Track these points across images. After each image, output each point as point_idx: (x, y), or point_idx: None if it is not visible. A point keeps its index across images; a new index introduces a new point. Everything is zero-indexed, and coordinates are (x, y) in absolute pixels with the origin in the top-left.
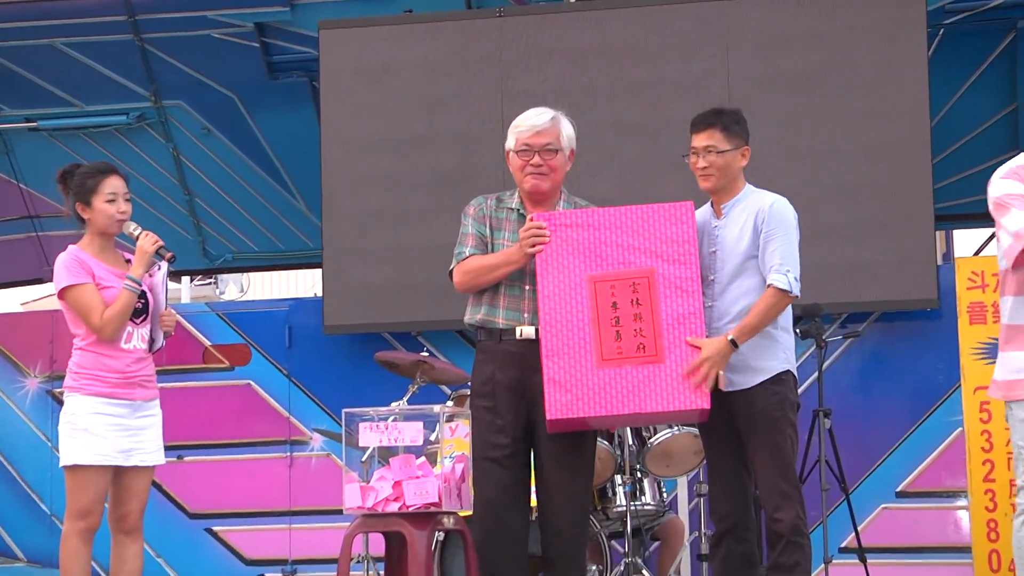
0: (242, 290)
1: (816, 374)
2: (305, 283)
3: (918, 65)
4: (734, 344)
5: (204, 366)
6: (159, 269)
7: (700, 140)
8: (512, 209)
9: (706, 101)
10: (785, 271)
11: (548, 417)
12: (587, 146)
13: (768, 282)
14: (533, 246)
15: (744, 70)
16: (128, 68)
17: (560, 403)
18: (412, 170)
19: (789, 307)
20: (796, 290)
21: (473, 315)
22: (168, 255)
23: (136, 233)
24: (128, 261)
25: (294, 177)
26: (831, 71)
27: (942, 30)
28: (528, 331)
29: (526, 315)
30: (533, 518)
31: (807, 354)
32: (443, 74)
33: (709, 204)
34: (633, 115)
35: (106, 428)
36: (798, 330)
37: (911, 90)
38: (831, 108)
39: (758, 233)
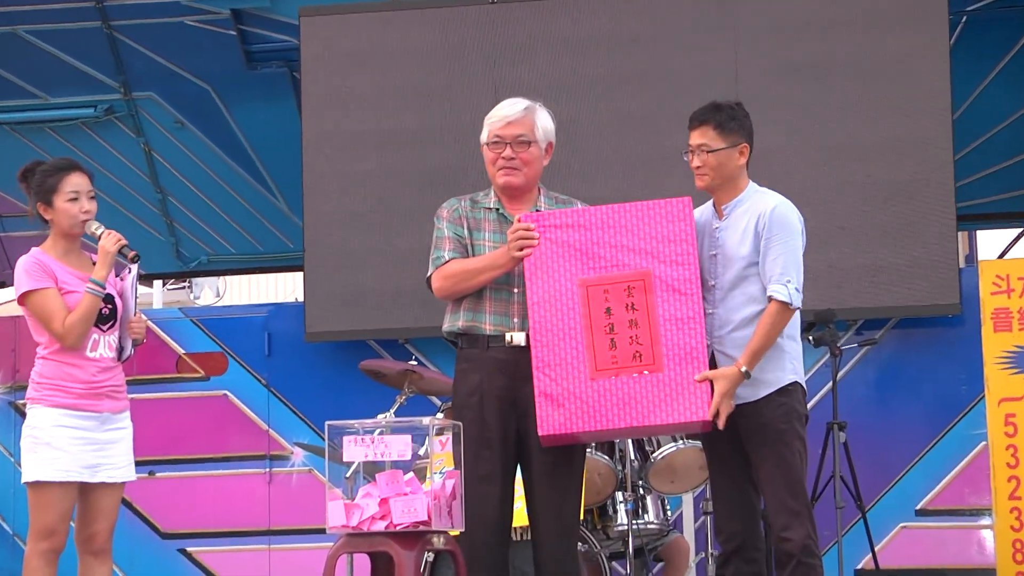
0: (218, 294)
1: (830, 384)
2: (286, 287)
3: (939, 55)
4: (747, 374)
5: (178, 376)
6: (129, 272)
7: (694, 137)
8: (489, 208)
9: (712, 94)
10: (785, 281)
11: (541, 433)
12: (585, 142)
13: (768, 294)
14: (521, 249)
15: (754, 60)
16: (96, 57)
17: (553, 418)
18: (399, 166)
19: (797, 314)
20: (797, 302)
21: (453, 322)
22: (131, 254)
23: (98, 232)
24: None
25: (273, 174)
26: (846, 61)
27: (964, 18)
28: (519, 337)
29: (515, 320)
30: (519, 537)
31: (820, 363)
32: (431, 64)
33: (711, 203)
34: (634, 109)
35: (70, 442)
36: (810, 337)
37: (931, 81)
38: (846, 100)
39: (759, 239)
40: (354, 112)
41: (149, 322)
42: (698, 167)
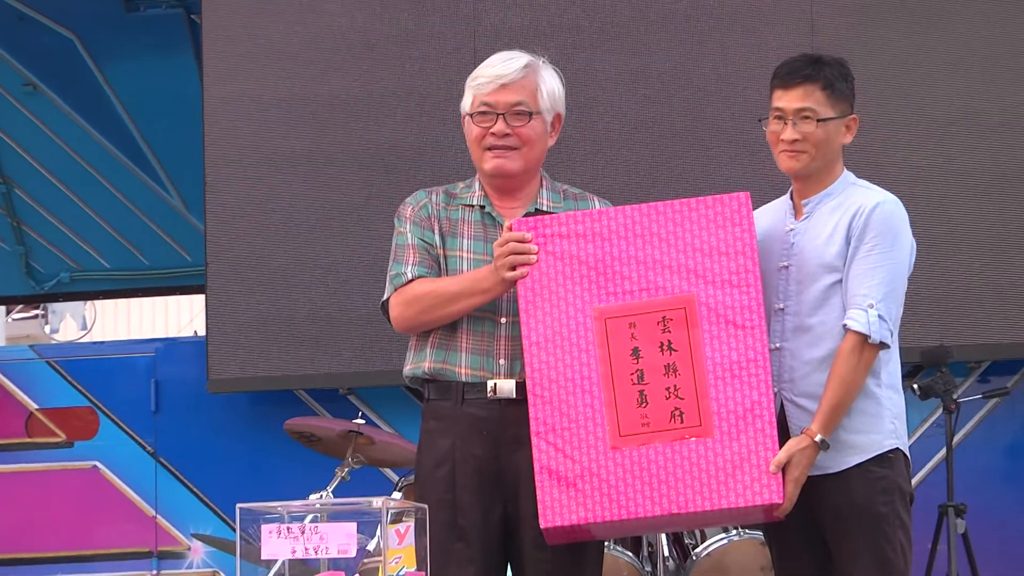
0: (85, 327)
1: (943, 452)
2: (180, 316)
3: None
4: (824, 445)
5: (28, 440)
6: None
7: (792, 99)
8: (472, 206)
9: (772, 43)
10: (867, 306)
11: (543, 525)
12: (601, 111)
13: (843, 321)
14: (513, 268)
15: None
16: None
17: (560, 505)
18: (339, 147)
19: (896, 355)
20: (880, 335)
21: (418, 364)
22: None
23: None
24: None
25: (163, 158)
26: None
27: None
28: (506, 386)
29: (502, 362)
30: None
31: (929, 422)
32: (387, 5)
33: (785, 199)
34: (668, 65)
35: None
36: (915, 386)
37: None
38: (965, 54)
39: (850, 244)
40: (275, 71)
41: None
42: (795, 141)
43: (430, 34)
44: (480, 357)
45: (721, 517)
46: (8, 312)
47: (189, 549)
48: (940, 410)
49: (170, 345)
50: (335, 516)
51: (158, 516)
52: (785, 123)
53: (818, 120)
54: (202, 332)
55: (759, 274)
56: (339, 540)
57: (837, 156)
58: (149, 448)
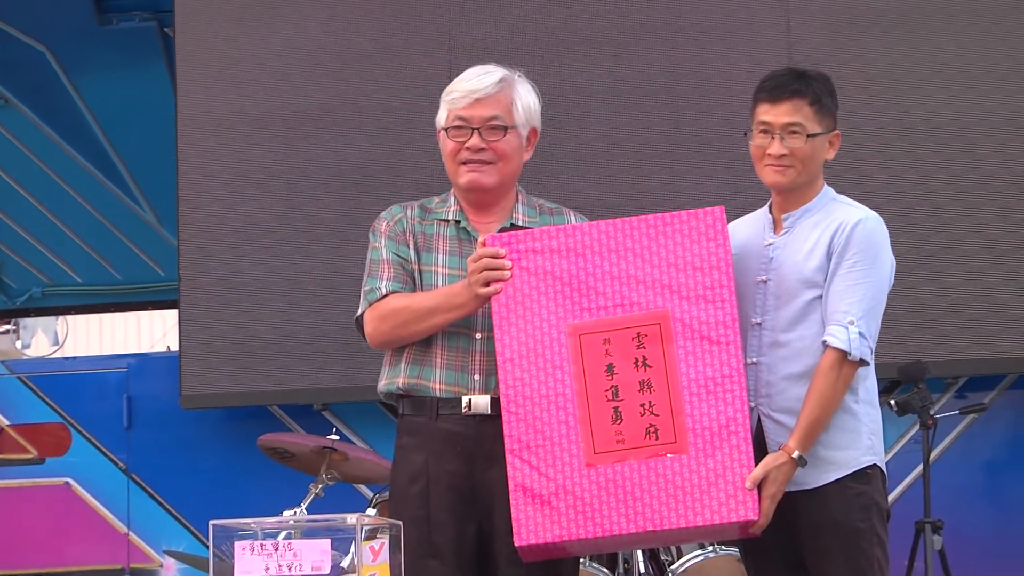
0: (57, 342)
1: (920, 468)
2: (153, 331)
3: None
4: (802, 461)
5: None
6: None
7: (780, 114)
8: (447, 221)
9: (750, 56)
10: (847, 322)
11: (518, 543)
12: (572, 126)
13: (823, 338)
14: (487, 284)
15: (811, 6)
16: None
17: (535, 522)
18: (313, 162)
19: (872, 371)
20: (860, 353)
21: (392, 380)
22: None
23: None
24: None
25: (136, 172)
26: (942, 9)
27: None
28: (481, 402)
29: (477, 377)
30: None
31: (906, 438)
32: (359, 17)
33: (763, 211)
34: (645, 77)
35: None
36: (892, 402)
37: None
38: (942, 66)
39: (831, 260)
40: (249, 86)
41: None
42: (782, 156)
43: (404, 49)
44: (455, 372)
45: (697, 534)
46: None
47: (161, 566)
48: (917, 426)
49: (143, 361)
50: (309, 533)
51: (130, 533)
52: (772, 137)
53: (807, 135)
54: (175, 347)
55: (734, 289)
56: (313, 557)
57: (820, 171)
58: (121, 464)
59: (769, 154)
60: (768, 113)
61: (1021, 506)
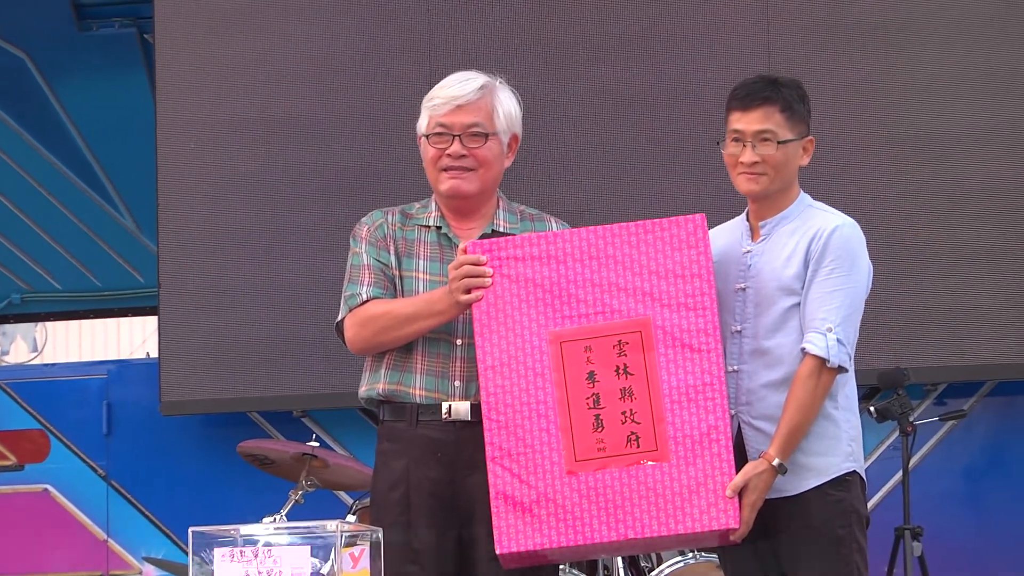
0: (35, 348)
1: (899, 474)
2: (132, 338)
3: None
4: (782, 469)
5: None
6: None
7: (751, 121)
8: (428, 227)
9: (729, 64)
10: (825, 329)
11: (499, 551)
12: (553, 132)
13: (801, 345)
14: (468, 291)
15: (791, 16)
16: None
17: (516, 530)
18: (293, 168)
19: (852, 378)
20: (839, 360)
21: (372, 386)
22: None
23: None
24: None
25: (115, 179)
26: (920, 20)
27: None
28: (461, 408)
29: (457, 384)
30: None
31: (885, 445)
32: (341, 23)
33: (741, 219)
34: (623, 85)
35: None
36: (871, 409)
37: None
38: (920, 76)
39: (809, 267)
40: (229, 92)
41: None
42: (754, 164)
43: (385, 55)
44: (435, 379)
45: (677, 541)
46: None
47: (141, 573)
48: (896, 433)
49: (122, 367)
50: (289, 539)
51: (110, 539)
52: (744, 145)
53: (778, 142)
54: (155, 354)
55: (715, 297)
56: (293, 564)
57: (794, 178)
58: (101, 471)
59: (742, 162)
60: (740, 121)
61: (1000, 512)
